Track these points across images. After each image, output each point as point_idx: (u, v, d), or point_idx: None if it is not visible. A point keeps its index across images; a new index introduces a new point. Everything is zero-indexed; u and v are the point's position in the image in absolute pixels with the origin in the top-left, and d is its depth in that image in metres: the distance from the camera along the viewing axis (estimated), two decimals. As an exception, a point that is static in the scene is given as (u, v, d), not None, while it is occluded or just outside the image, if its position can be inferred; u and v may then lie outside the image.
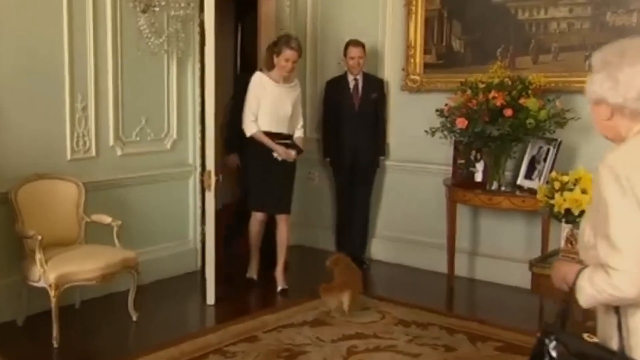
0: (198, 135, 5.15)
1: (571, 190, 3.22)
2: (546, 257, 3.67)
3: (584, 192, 3.18)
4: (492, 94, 4.62)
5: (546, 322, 2.01)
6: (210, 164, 4.38)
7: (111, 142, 4.65)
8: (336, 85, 5.49)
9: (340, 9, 5.83)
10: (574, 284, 1.78)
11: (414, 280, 5.23)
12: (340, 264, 4.52)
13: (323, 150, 5.66)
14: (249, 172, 4.94)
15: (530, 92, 4.62)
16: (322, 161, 5.77)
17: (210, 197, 4.42)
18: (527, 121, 4.53)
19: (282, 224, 4.95)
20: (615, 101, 1.78)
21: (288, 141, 4.84)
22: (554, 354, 1.84)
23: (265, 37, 6.01)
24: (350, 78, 5.44)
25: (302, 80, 6.09)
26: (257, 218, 4.94)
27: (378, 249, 5.71)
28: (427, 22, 5.34)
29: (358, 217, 5.57)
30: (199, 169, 5.15)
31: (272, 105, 4.75)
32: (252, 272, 5.08)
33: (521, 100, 4.59)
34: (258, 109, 4.75)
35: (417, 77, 5.44)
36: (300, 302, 4.58)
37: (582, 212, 3.15)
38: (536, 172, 4.71)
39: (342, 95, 5.45)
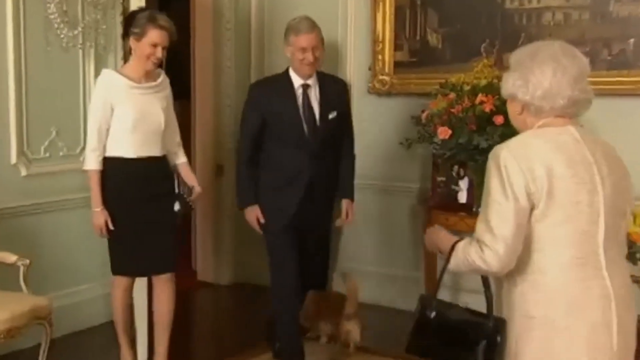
0: (122, 149, 4.94)
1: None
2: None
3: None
4: (480, 97, 4.54)
5: (422, 294, 2.56)
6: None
7: (13, 159, 4.46)
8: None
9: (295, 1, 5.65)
10: (450, 254, 2.30)
11: (388, 322, 5.09)
12: (313, 302, 4.40)
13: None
14: (113, 217, 3.94)
15: (523, 95, 4.58)
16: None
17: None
18: (522, 130, 4.48)
19: (164, 288, 4.06)
20: (524, 98, 2.28)
21: (183, 185, 4.05)
22: (435, 322, 2.39)
23: (201, 30, 5.87)
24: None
25: (245, 83, 5.92)
26: (120, 285, 4.08)
27: (341, 285, 5.49)
28: (398, 12, 5.26)
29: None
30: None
31: (136, 118, 3.86)
32: None
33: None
34: (110, 127, 3.87)
35: (386, 78, 5.36)
36: (250, 356, 4.46)
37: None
38: (531, 190, 4.68)
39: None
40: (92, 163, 3.89)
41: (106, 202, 3.89)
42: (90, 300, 4.84)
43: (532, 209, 2.17)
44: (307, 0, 5.57)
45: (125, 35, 3.96)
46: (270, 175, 4.12)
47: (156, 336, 4.12)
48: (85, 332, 4.75)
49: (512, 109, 2.36)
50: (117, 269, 4.05)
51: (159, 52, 3.84)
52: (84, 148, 4.76)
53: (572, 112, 2.29)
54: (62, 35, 4.52)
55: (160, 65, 4.00)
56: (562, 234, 2.18)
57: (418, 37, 5.24)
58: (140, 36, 3.83)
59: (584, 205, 2.18)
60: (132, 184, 3.92)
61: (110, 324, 4.83)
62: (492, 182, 2.20)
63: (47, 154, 4.64)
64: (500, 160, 2.19)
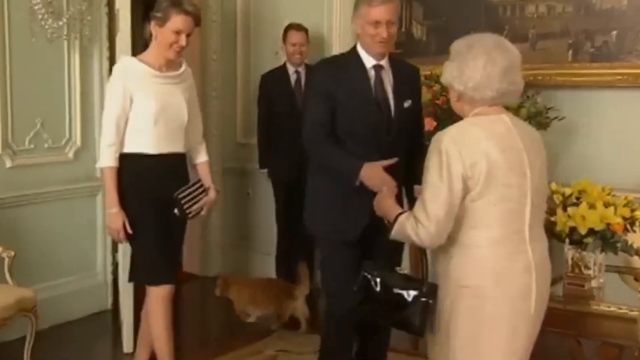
0: (108, 141, 4.91)
1: (576, 205, 3.17)
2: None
3: (591, 206, 3.12)
4: (464, 89, 4.58)
5: (366, 261, 2.78)
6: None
7: (-2, 151, 4.44)
8: (274, 80, 5.31)
9: (279, -10, 5.66)
10: (392, 224, 2.55)
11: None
12: (234, 285, 4.80)
13: (260, 160, 5.46)
14: (137, 220, 3.54)
15: (507, 86, 4.59)
16: (259, 173, 5.58)
17: (126, 218, 4.19)
18: (506, 121, 4.50)
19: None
20: (459, 88, 2.48)
21: (196, 187, 3.66)
22: (377, 288, 2.67)
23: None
24: (291, 70, 5.31)
25: (231, 75, 5.93)
26: (163, 297, 3.60)
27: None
28: (383, 4, 5.25)
29: (302, 240, 5.37)
30: (109, 183, 4.93)
31: (158, 109, 3.49)
32: None
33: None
34: (128, 120, 3.48)
35: (372, 70, 5.34)
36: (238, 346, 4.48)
37: (590, 231, 3.11)
38: (516, 182, 4.70)
39: (282, 91, 5.28)
40: (108, 159, 3.47)
41: (123, 203, 3.49)
42: (73, 293, 4.82)
43: (467, 191, 2.40)
44: (296, -7, 5.58)
45: (145, 18, 3.56)
46: (335, 178, 3.35)
47: (139, 346, 3.85)
48: (68, 325, 4.72)
49: (451, 97, 2.58)
50: (157, 278, 3.57)
51: (183, 40, 3.47)
52: (69, 140, 4.78)
53: (500, 102, 2.51)
54: (46, 27, 4.47)
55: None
56: (495, 212, 2.42)
57: (403, 29, 5.20)
58: (162, 22, 3.44)
59: (514, 187, 2.43)
60: (153, 183, 3.52)
61: (95, 316, 4.92)
62: (431, 165, 2.42)
63: (32, 146, 4.60)
64: (442, 146, 2.40)
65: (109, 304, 5.06)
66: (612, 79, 4.45)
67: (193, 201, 3.61)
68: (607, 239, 3.17)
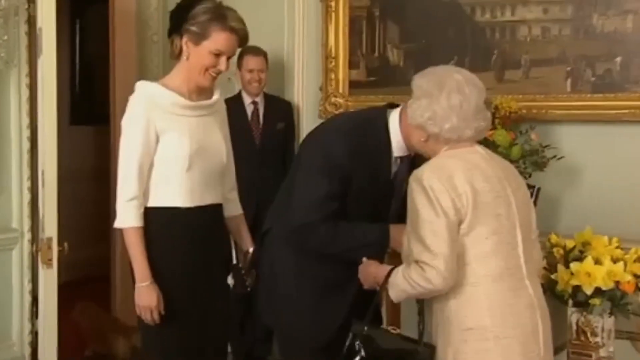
0: (27, 185, 4.86)
1: (579, 260, 3.18)
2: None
3: (597, 262, 3.11)
4: (448, 123, 4.57)
5: (353, 323, 2.75)
6: (51, 228, 4.12)
7: None
8: (227, 112, 5.25)
9: (232, 5, 5.65)
10: (385, 282, 2.64)
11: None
12: (86, 314, 5.46)
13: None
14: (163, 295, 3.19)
15: (497, 121, 4.57)
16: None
17: (50, 276, 4.16)
18: (496, 161, 4.49)
19: None
20: (433, 131, 2.65)
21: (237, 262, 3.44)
22: (368, 350, 2.67)
23: (122, 42, 5.77)
24: (248, 101, 5.32)
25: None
26: None
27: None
28: (353, 24, 5.29)
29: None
30: (27, 236, 4.86)
31: (192, 151, 3.15)
32: None
33: (487, 133, 4.53)
34: (153, 166, 3.15)
35: (340, 100, 5.36)
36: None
37: (597, 290, 3.11)
38: (508, 230, 4.68)
39: (237, 125, 5.16)
40: (131, 218, 3.12)
41: (172, 262, 3.18)
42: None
43: (459, 223, 2.54)
44: (249, 9, 5.49)
45: (174, 31, 3.21)
46: (326, 267, 3.13)
47: None
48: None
49: (418, 137, 2.75)
50: None
51: (223, 64, 3.18)
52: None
53: (476, 139, 2.74)
54: (-45, 48, 4.45)
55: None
56: (489, 246, 2.56)
57: (377, 54, 5.26)
58: (199, 38, 3.13)
59: (503, 218, 2.60)
60: (184, 245, 3.20)
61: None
62: (420, 203, 2.54)
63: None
64: (425, 182, 2.54)
65: (26, 382, 4.97)
66: (616, 112, 4.45)
67: (244, 269, 3.39)
68: (616, 300, 3.19)
